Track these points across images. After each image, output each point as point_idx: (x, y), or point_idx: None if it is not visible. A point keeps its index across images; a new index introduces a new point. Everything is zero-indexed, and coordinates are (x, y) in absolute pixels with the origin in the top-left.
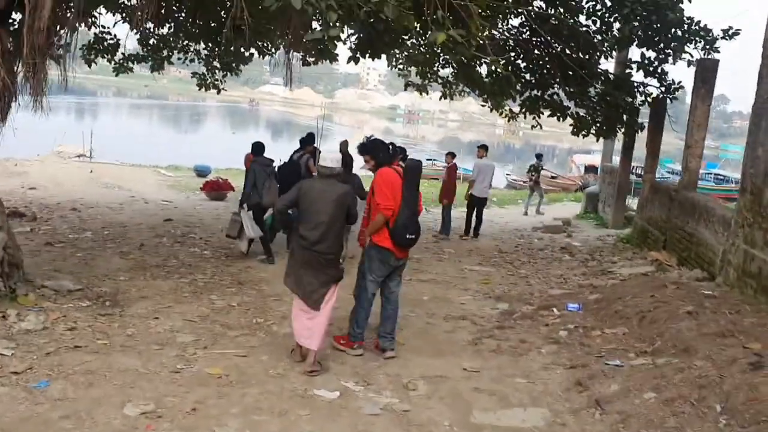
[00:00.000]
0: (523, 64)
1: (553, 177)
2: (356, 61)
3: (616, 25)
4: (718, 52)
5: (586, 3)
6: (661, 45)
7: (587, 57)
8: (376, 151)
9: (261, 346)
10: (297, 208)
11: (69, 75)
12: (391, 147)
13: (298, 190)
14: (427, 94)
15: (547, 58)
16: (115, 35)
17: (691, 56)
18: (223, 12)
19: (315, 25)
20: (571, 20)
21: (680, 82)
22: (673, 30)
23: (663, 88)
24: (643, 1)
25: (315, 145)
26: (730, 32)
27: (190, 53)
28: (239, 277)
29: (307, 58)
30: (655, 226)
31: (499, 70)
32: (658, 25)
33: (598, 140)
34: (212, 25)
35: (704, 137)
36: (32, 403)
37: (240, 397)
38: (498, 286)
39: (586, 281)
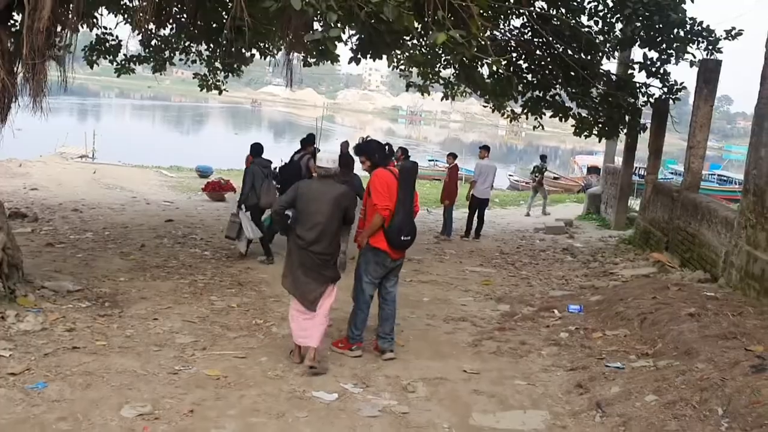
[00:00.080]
0: (524, 65)
1: (555, 178)
2: (357, 61)
3: (619, 25)
4: (721, 52)
5: (588, 3)
6: (664, 45)
7: (589, 57)
8: (372, 152)
9: (260, 347)
10: (294, 209)
11: (72, 76)
12: (387, 148)
13: (295, 191)
14: (429, 94)
15: (548, 59)
16: (116, 36)
17: (694, 57)
18: (224, 13)
19: (316, 25)
20: (573, 20)
21: (683, 82)
22: (675, 30)
23: (665, 89)
24: (645, 2)
25: (315, 145)
26: (733, 32)
27: (191, 54)
28: (239, 278)
29: (308, 59)
30: (657, 227)
31: (500, 70)
32: (661, 26)
33: (600, 141)
34: (213, 25)
35: (707, 138)
36: (29, 404)
37: (238, 399)
38: (499, 287)
39: (588, 282)
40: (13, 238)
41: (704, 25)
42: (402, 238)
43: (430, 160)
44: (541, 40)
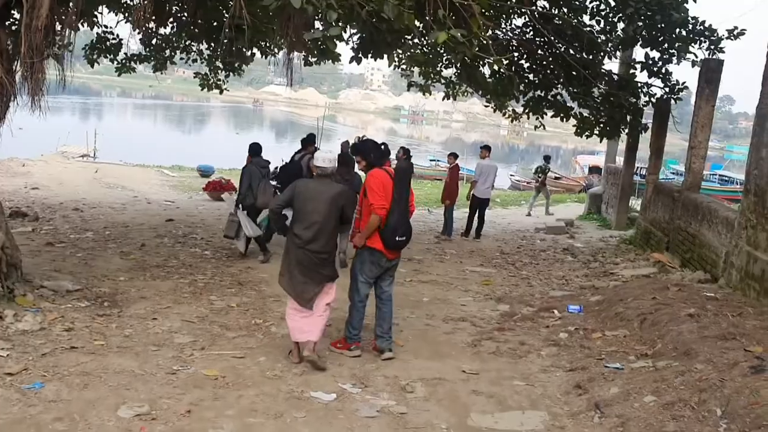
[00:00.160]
0: (526, 64)
1: (556, 178)
2: (358, 61)
3: (620, 25)
4: (723, 52)
5: (590, 3)
6: (666, 45)
7: (591, 57)
8: (368, 151)
9: (259, 347)
10: (292, 208)
11: (73, 75)
12: (383, 147)
13: (292, 190)
14: (430, 94)
15: (550, 58)
16: (117, 35)
17: (696, 56)
18: (224, 11)
19: (317, 24)
20: (575, 20)
21: (684, 82)
22: (677, 30)
23: (667, 89)
24: (647, 1)
25: (316, 145)
26: (735, 32)
27: (192, 53)
28: (239, 278)
29: (309, 58)
30: (658, 227)
31: (502, 70)
32: (663, 25)
33: (601, 141)
34: (214, 24)
35: (708, 138)
36: (25, 404)
37: (235, 399)
38: (499, 287)
39: (588, 283)
40: (12, 237)
41: (706, 25)
42: (397, 238)
43: (431, 160)
44: (542, 39)
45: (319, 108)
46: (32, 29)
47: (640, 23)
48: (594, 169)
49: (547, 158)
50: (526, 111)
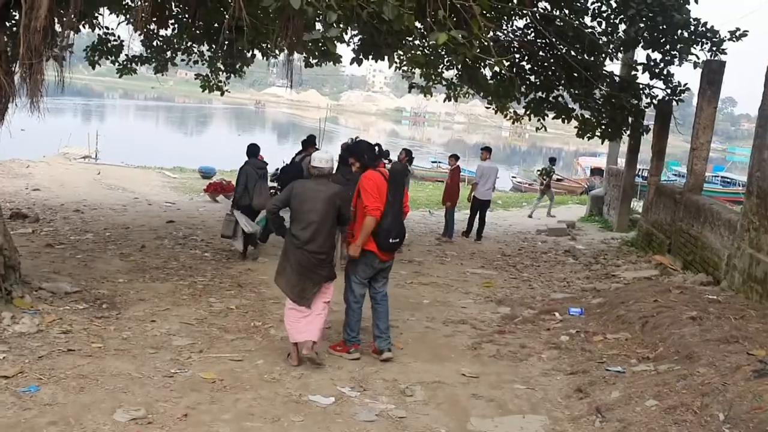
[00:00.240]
0: (527, 66)
1: (558, 179)
2: (359, 62)
3: (622, 26)
4: (725, 53)
5: (592, 4)
6: (667, 46)
7: (592, 59)
8: (361, 153)
9: (257, 350)
10: (289, 208)
11: (69, 76)
12: (377, 148)
13: (290, 191)
14: (431, 95)
15: (551, 60)
16: (118, 36)
17: (698, 58)
18: (225, 13)
19: (317, 25)
20: (576, 22)
21: (686, 84)
22: (679, 31)
23: (669, 90)
24: (648, 3)
25: (316, 146)
26: (738, 34)
27: (193, 55)
28: (239, 280)
29: (310, 60)
30: (659, 229)
31: (503, 71)
32: (664, 27)
33: (603, 142)
34: (214, 25)
35: (710, 140)
36: (20, 408)
37: (233, 403)
38: (500, 289)
39: (590, 285)
40: (11, 239)
41: (708, 26)
42: (390, 240)
43: (433, 162)
44: (544, 41)
45: (321, 110)
46: (31, 30)
47: (642, 24)
48: (596, 171)
49: (552, 160)
50: (528, 113)
